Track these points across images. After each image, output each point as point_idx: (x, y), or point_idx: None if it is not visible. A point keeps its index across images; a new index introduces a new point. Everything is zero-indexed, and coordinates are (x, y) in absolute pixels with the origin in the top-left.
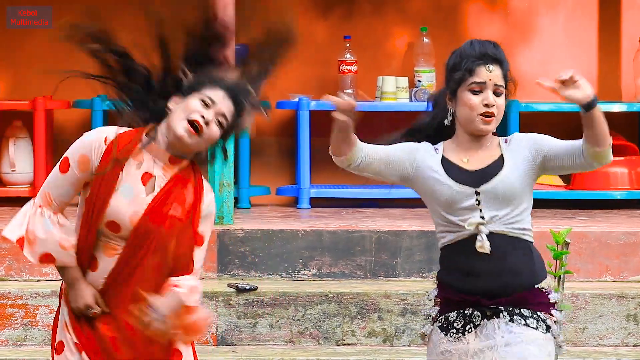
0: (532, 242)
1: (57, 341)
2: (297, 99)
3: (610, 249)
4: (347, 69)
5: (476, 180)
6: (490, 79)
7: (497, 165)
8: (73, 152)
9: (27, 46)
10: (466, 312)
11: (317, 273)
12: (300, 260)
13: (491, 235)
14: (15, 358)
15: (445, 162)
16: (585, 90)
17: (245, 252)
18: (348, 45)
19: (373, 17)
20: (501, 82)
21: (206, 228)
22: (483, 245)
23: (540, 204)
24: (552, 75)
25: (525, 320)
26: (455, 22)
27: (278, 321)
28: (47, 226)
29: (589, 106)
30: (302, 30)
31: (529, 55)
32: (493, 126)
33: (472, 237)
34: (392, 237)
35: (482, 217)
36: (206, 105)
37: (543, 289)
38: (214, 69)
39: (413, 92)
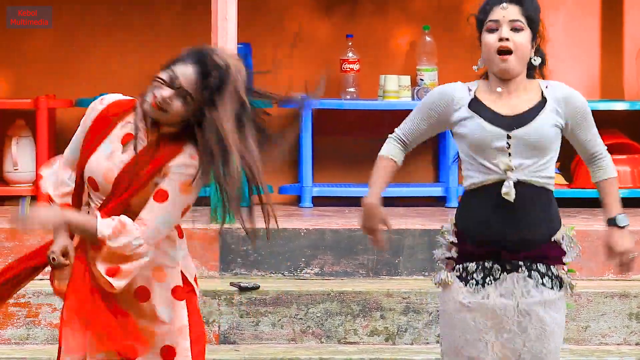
0: (552, 191)
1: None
2: (299, 98)
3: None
4: (349, 68)
5: (509, 123)
6: (504, 16)
7: (535, 110)
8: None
9: (28, 46)
10: (486, 264)
11: (320, 272)
12: (303, 259)
13: (517, 184)
14: (17, 357)
15: (476, 103)
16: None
17: (248, 250)
18: (350, 43)
19: (375, 16)
20: (518, 18)
21: (171, 187)
22: (509, 192)
23: None
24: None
25: (542, 279)
26: (457, 21)
27: (280, 320)
28: (49, 173)
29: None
30: (304, 30)
31: None
32: (512, 64)
33: (498, 185)
34: (394, 236)
35: (511, 162)
36: (165, 82)
37: (558, 241)
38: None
39: (415, 91)
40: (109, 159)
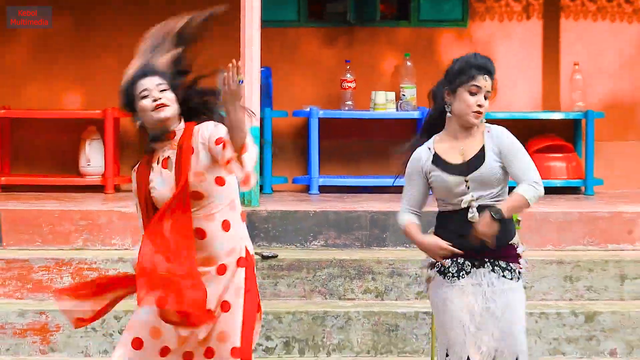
0: None
1: None
2: (309, 109)
3: (551, 225)
4: (347, 86)
5: (465, 170)
6: (484, 86)
7: (480, 156)
8: None
9: (97, 66)
10: (459, 260)
11: (324, 244)
12: (311, 234)
13: (479, 207)
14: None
15: (437, 160)
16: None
17: (268, 228)
18: (348, 67)
19: (368, 45)
20: (490, 89)
21: (212, 133)
22: (474, 216)
23: None
24: (505, 90)
25: (503, 272)
26: (432, 49)
27: (294, 281)
28: None
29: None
30: (312, 56)
31: None
32: (479, 120)
33: (465, 210)
34: (382, 216)
35: (472, 196)
36: (146, 96)
37: (514, 244)
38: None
39: (399, 104)
40: (166, 184)
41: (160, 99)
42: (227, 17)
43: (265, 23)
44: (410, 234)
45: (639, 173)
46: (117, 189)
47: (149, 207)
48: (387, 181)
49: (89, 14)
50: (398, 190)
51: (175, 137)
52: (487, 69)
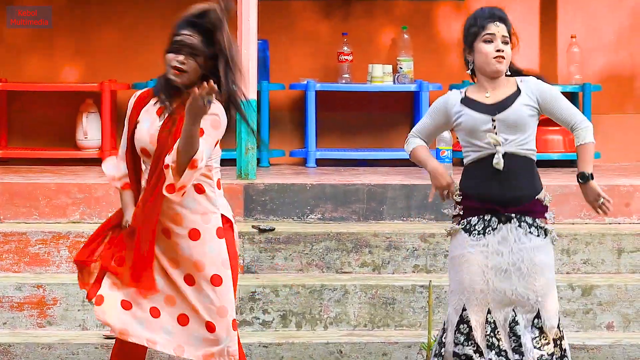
0: (534, 161)
1: None
2: (306, 82)
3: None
4: (344, 59)
5: (493, 109)
6: (498, 31)
7: (512, 98)
8: None
9: (95, 40)
10: (485, 217)
11: (321, 217)
12: (308, 207)
13: (505, 155)
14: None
15: (467, 100)
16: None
17: (265, 200)
18: (345, 40)
19: (365, 18)
20: (506, 34)
21: (205, 125)
22: (499, 162)
23: None
24: None
25: (530, 229)
26: (429, 22)
27: (291, 254)
28: (110, 164)
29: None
30: (309, 29)
31: None
32: (504, 66)
33: (490, 157)
34: (379, 189)
35: (498, 135)
36: (176, 49)
37: (540, 199)
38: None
39: (396, 77)
40: (151, 128)
41: (183, 64)
42: None
43: None
44: (419, 156)
45: (637, 146)
46: None
47: (128, 143)
48: (385, 154)
49: None
50: (395, 163)
51: (180, 98)
52: (496, 16)
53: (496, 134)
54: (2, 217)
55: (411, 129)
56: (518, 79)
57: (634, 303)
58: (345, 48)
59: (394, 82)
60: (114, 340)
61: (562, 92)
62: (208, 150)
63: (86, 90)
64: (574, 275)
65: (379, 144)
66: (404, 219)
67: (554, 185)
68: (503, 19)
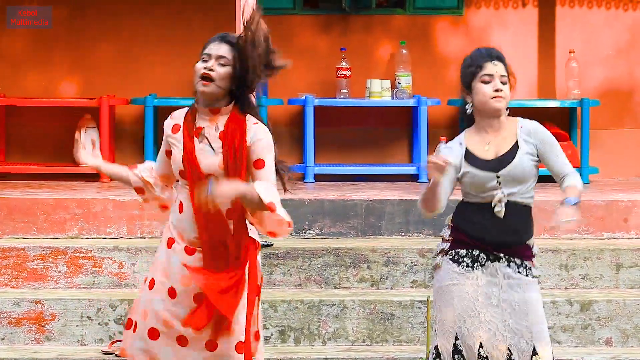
0: (531, 207)
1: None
2: (304, 97)
3: (547, 213)
4: (343, 74)
5: (496, 166)
6: (496, 71)
7: (513, 149)
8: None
9: (94, 55)
10: (474, 252)
11: (320, 232)
12: (307, 223)
13: (506, 204)
14: (86, 297)
15: (469, 155)
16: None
17: None
18: (344, 55)
19: (363, 33)
20: (504, 73)
21: (261, 151)
22: (500, 211)
23: None
24: None
25: (518, 268)
26: (427, 37)
27: (289, 270)
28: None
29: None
30: (308, 44)
31: None
32: (503, 104)
33: (490, 203)
34: (378, 205)
35: (503, 193)
36: (205, 60)
37: (529, 245)
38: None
39: (394, 92)
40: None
41: (212, 70)
42: (223, 4)
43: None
44: (421, 196)
45: (635, 161)
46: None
47: (187, 169)
48: (383, 169)
49: (86, 1)
50: (393, 178)
51: (219, 117)
52: (493, 56)
53: (499, 184)
54: (1, 233)
55: (409, 144)
56: (518, 122)
57: (632, 318)
58: (344, 63)
59: (392, 97)
60: (112, 355)
61: (560, 107)
62: (273, 176)
63: (84, 105)
64: (572, 290)
65: (377, 159)
66: (403, 234)
67: (552, 200)
68: (500, 59)
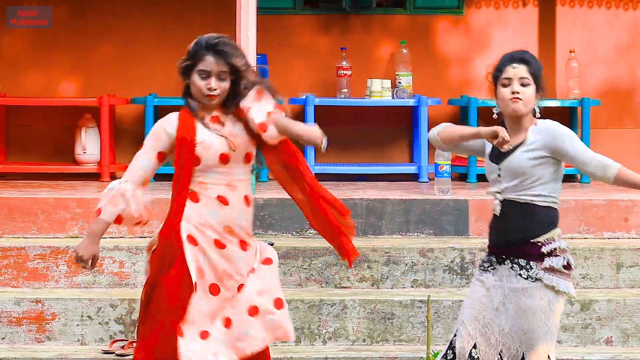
0: (539, 206)
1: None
2: (304, 97)
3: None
4: (343, 73)
5: (499, 158)
6: (515, 74)
7: (515, 147)
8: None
9: (94, 55)
10: (491, 256)
11: None
12: (307, 222)
13: (504, 201)
14: (86, 297)
15: (493, 147)
16: None
17: (264, 215)
18: (344, 54)
19: (363, 32)
20: (526, 76)
21: (255, 115)
22: (495, 208)
23: None
24: None
25: (520, 271)
26: (428, 37)
27: (290, 269)
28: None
29: None
30: (308, 44)
31: (485, 61)
32: (521, 106)
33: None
34: (378, 204)
35: (499, 188)
36: (204, 77)
37: (538, 242)
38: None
39: (395, 91)
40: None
41: (215, 90)
42: (223, 4)
43: (261, 10)
44: (454, 128)
45: (636, 160)
46: (112, 176)
47: (187, 160)
48: (383, 169)
49: (86, 1)
50: (394, 178)
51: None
52: (515, 58)
53: (500, 176)
54: (1, 232)
55: (410, 143)
56: (535, 121)
57: (632, 318)
58: (344, 63)
59: (393, 97)
60: (113, 355)
61: (561, 107)
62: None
63: (85, 105)
64: None
65: (377, 158)
66: (403, 233)
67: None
68: (524, 61)
